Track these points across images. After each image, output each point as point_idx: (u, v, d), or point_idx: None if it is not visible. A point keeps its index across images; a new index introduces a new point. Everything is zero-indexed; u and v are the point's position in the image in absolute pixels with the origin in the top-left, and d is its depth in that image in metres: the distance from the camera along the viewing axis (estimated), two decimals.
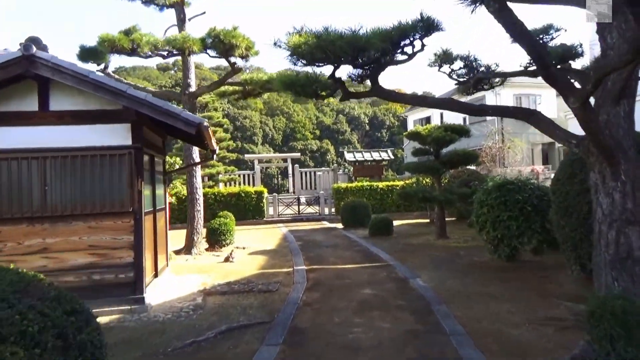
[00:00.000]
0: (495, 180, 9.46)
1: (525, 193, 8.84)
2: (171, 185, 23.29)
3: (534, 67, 6.51)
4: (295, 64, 5.29)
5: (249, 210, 19.77)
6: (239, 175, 28.06)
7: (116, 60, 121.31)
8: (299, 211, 20.81)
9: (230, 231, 12.73)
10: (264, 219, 19.97)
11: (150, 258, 7.64)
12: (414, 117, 36.57)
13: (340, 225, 17.71)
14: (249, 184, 29.64)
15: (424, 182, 17.76)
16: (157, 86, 60.30)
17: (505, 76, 7.58)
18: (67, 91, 6.59)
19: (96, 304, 6.45)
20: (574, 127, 21.50)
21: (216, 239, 12.56)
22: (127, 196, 6.66)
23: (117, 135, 6.72)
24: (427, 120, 34.47)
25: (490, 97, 28.46)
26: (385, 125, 66.13)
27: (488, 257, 9.68)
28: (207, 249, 12.51)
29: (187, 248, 12.09)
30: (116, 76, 12.14)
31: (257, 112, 62.44)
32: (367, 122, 66.07)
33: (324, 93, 5.84)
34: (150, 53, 10.39)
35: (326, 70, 5.66)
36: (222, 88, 12.62)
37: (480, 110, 7.28)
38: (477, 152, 15.35)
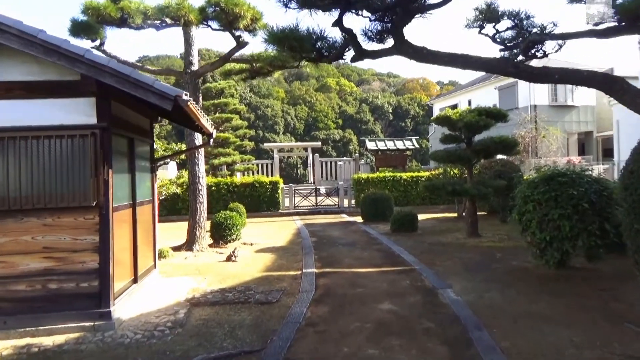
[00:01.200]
0: (543, 171, 7.85)
1: (581, 187, 7.23)
2: (177, 174, 22.17)
3: (608, 24, 4.93)
4: (286, 6, 3.84)
5: (263, 202, 18.48)
6: (256, 165, 26.82)
7: (140, 49, 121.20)
8: (316, 203, 19.42)
9: (236, 225, 11.43)
10: (280, 211, 18.66)
11: (128, 261, 6.37)
12: (440, 105, 34.65)
13: (360, 219, 16.26)
14: (267, 174, 28.43)
15: (452, 172, 16.12)
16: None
17: (565, 38, 5.97)
18: (19, 57, 5.28)
19: (52, 319, 5.23)
20: (621, 115, 19.29)
21: (221, 234, 11.27)
22: (91, 187, 5.35)
23: (78, 111, 5.40)
24: (454, 107, 32.51)
25: (523, 83, 26.41)
26: (410, 114, 64.00)
27: (531, 262, 8.12)
28: (210, 245, 11.24)
29: (189, 244, 10.85)
30: (114, 54, 10.89)
31: (279, 101, 61.15)
32: (390, 111, 64.05)
33: (327, 53, 4.37)
34: (142, 24, 9.08)
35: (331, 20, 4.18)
36: (228, 66, 11.25)
37: (543, 75, 5.65)
38: (516, 139, 13.64)
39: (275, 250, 10.70)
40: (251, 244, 11.51)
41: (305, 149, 32.62)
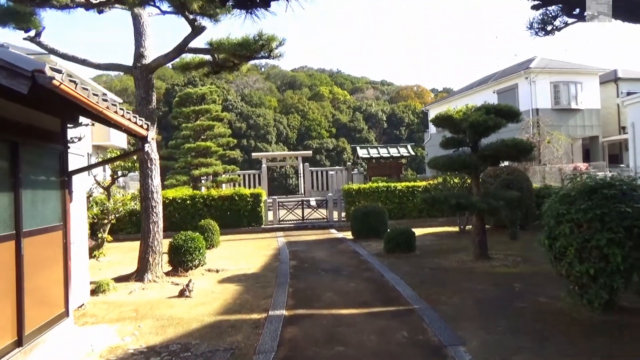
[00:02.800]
0: (580, 181, 5.93)
1: (637, 203, 5.32)
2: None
3: None
4: None
5: (243, 217, 16.48)
6: (240, 176, 24.86)
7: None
8: (303, 217, 17.41)
9: (199, 249, 9.44)
10: (262, 226, 16.67)
11: (5, 315, 4.40)
12: (435, 111, 32.78)
13: (350, 236, 14.30)
14: (254, 185, 26.49)
15: (452, 182, 14.23)
16: (170, 85, 57.91)
17: None
18: None
19: None
20: (638, 116, 17.34)
21: (180, 260, 9.28)
22: None
23: None
24: None
25: (524, 85, 24.66)
26: (404, 122, 62.36)
27: (566, 301, 6.16)
28: (168, 273, 9.25)
29: (139, 273, 8.86)
30: (52, 46, 8.99)
31: (271, 110, 59.37)
32: (385, 119, 62.37)
33: None
34: (69, 2, 7.19)
35: None
36: (187, 59, 9.35)
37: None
38: (532, 142, 11.75)
39: (244, 280, 8.72)
40: (217, 271, 9.52)
41: (296, 158, 30.70)
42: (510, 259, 9.56)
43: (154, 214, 9.02)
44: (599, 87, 25.40)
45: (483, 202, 8.70)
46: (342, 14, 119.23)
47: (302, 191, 28.52)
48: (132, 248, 12.50)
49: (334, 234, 15.34)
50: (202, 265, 9.64)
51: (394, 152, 23.87)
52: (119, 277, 8.81)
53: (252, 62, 9.10)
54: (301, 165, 28.81)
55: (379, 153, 23.90)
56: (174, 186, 20.89)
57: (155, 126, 8.94)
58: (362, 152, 24.33)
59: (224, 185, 23.87)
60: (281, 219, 17.36)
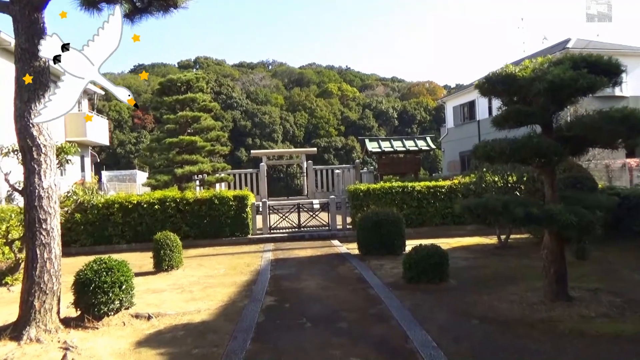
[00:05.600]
0: None
1: None
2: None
3: None
4: None
5: (225, 225, 13.05)
6: (233, 175, 21.44)
7: (137, 57, 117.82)
8: (299, 224, 13.92)
9: (120, 283, 5.97)
10: (249, 236, 13.24)
11: None
12: (453, 103, 29.13)
13: (356, 249, 10.80)
14: (251, 186, 23.08)
15: (490, 179, 10.64)
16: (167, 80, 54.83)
17: None
18: None
19: None
20: None
21: (89, 302, 5.83)
22: None
23: None
24: (471, 105, 27.06)
25: None
26: (416, 119, 58.65)
27: None
28: (70, 322, 5.81)
29: (18, 325, 5.47)
30: None
31: (278, 107, 56.04)
32: (396, 116, 58.72)
33: None
34: None
35: None
36: None
37: None
38: None
39: (181, 339, 5.26)
40: (149, 317, 6.07)
41: (299, 156, 27.25)
42: (603, 298, 5.99)
43: (43, 233, 5.61)
44: None
45: (569, 211, 5.13)
46: (350, 9, 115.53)
47: (306, 192, 25.11)
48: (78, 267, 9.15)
49: (336, 247, 11.83)
50: (126, 308, 6.19)
51: (410, 145, 19.76)
52: None
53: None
54: (305, 163, 25.35)
55: (392, 146, 19.77)
56: (156, 188, 17.54)
57: (50, 92, 5.55)
58: (371, 146, 20.28)
59: (218, 186, 20.50)
60: (273, 226, 13.91)
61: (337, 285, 7.64)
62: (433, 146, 21.03)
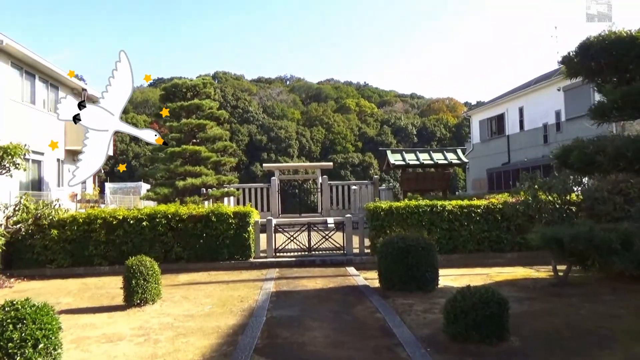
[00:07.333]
0: None
1: None
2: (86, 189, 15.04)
3: None
4: None
5: (223, 246, 11.08)
6: (240, 190, 19.51)
7: (157, 72, 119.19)
8: (309, 247, 11.86)
9: (44, 337, 4.02)
10: (251, 259, 11.25)
11: None
12: (480, 117, 26.93)
13: (376, 280, 8.70)
14: (261, 202, 21.06)
15: (544, 198, 8.45)
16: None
17: None
18: None
19: None
20: None
21: None
22: None
23: None
24: (499, 119, 24.86)
25: None
26: (436, 136, 56.38)
27: None
28: None
29: None
30: None
31: (294, 122, 54.46)
32: (415, 133, 56.57)
33: None
34: None
35: None
36: None
37: None
38: None
39: None
40: None
41: (314, 171, 25.29)
42: None
43: None
44: None
45: None
46: (369, 27, 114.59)
47: (320, 209, 23.08)
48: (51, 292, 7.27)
49: (352, 276, 9.73)
50: None
51: (438, 157, 17.25)
52: None
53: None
54: (320, 178, 23.36)
55: (417, 159, 17.26)
56: (158, 201, 15.79)
57: None
58: (394, 158, 17.89)
59: (228, 201, 18.61)
60: (279, 248, 11.89)
61: (354, 338, 5.55)
62: (465, 160, 18.40)
